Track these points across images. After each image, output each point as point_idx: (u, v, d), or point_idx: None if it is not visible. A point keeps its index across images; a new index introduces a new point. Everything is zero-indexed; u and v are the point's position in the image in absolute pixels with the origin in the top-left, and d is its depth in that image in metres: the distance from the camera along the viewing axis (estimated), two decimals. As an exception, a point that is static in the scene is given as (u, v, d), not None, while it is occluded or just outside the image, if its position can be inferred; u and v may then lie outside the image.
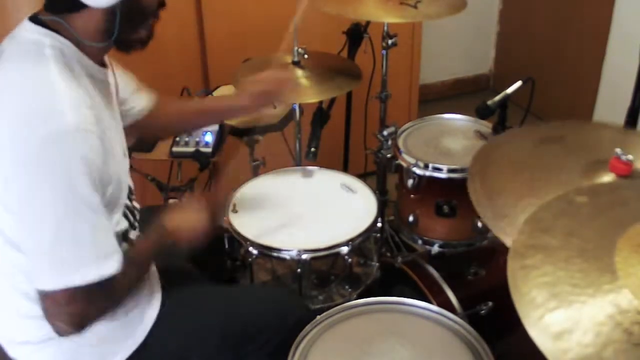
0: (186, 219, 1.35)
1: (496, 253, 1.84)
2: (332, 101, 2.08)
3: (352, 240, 1.59)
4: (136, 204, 1.34)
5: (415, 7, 1.76)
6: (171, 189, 1.91)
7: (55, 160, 1.04)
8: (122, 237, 1.24)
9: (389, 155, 1.94)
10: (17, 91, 1.09)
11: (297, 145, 2.06)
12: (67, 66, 1.11)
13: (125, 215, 1.26)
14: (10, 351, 1.27)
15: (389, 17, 1.80)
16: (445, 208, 1.75)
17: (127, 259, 1.17)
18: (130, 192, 1.29)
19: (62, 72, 1.10)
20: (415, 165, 1.74)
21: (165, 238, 1.31)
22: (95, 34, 1.15)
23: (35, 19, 1.15)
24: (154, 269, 1.39)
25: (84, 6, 1.10)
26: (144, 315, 1.32)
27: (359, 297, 1.63)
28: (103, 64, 1.23)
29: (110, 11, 1.12)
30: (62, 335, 1.13)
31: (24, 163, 1.05)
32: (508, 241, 1.03)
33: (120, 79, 1.36)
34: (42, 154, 1.04)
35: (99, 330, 1.24)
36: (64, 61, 1.12)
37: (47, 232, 1.06)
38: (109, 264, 1.11)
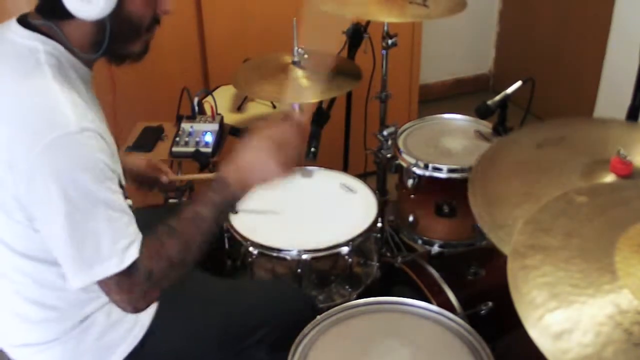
0: (253, 161, 1.19)
1: (496, 253, 1.83)
2: (332, 101, 2.08)
3: (352, 240, 1.59)
4: (129, 201, 1.33)
5: (425, 5, 1.75)
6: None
7: (61, 164, 1.03)
8: None
9: (389, 155, 1.94)
10: (15, 99, 1.07)
11: (297, 145, 2.05)
12: (61, 71, 1.11)
13: None
14: (10, 353, 1.27)
15: (395, 17, 1.77)
16: (445, 208, 1.74)
17: (168, 230, 1.14)
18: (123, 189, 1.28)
19: (56, 76, 1.09)
20: (415, 165, 1.74)
21: (224, 193, 1.18)
22: (85, 45, 1.15)
23: (25, 22, 1.14)
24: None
25: (73, 16, 1.10)
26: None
27: (359, 297, 1.63)
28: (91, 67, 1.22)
29: (99, 24, 1.11)
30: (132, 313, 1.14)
31: (29, 173, 1.03)
32: (506, 250, 1.03)
33: None
34: (49, 159, 1.02)
35: (98, 327, 1.25)
36: (59, 66, 1.11)
37: (64, 234, 1.05)
38: (129, 254, 1.09)
